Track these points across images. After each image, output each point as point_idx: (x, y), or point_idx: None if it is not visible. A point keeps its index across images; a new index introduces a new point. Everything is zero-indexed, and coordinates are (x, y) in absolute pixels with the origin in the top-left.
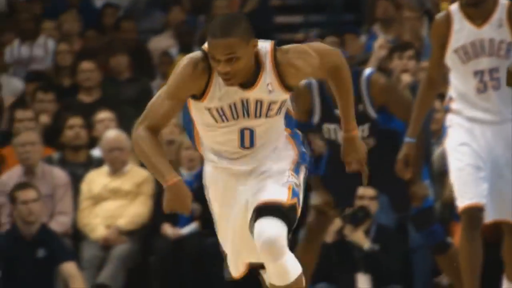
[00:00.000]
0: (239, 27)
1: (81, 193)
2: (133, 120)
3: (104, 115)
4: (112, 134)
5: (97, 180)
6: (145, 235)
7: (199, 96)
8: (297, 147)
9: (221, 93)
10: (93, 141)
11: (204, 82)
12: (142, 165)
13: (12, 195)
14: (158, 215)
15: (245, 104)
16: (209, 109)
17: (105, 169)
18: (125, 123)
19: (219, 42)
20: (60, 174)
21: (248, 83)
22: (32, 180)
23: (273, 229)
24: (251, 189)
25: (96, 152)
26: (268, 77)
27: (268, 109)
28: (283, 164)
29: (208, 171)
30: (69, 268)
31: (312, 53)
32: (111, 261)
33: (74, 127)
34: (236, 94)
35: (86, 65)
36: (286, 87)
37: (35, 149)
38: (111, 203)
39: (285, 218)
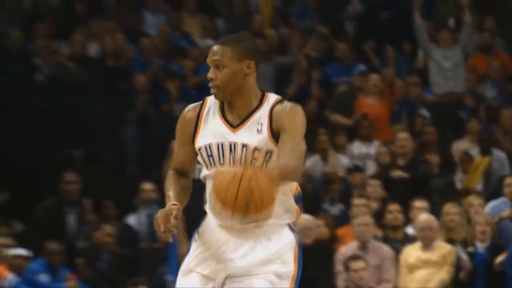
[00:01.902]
0: (238, 43)
1: (400, 263)
2: (440, 207)
3: (419, 204)
4: (424, 217)
5: (412, 253)
6: None
7: (193, 134)
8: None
9: (210, 129)
10: (407, 222)
11: (194, 118)
12: (447, 241)
13: (346, 264)
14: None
15: (232, 148)
16: (200, 150)
17: (418, 244)
18: (434, 210)
19: (213, 48)
20: (386, 249)
21: (240, 120)
22: (365, 253)
23: None
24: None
25: (410, 231)
26: (261, 117)
27: (253, 157)
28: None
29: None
30: None
31: (294, 122)
32: None
33: (392, 212)
34: (225, 134)
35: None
36: (272, 132)
37: (369, 229)
38: (423, 271)
39: None
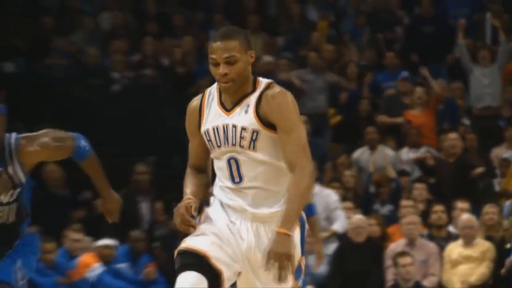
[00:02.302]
0: (239, 34)
1: (444, 259)
2: (480, 208)
3: (462, 205)
4: (466, 216)
5: (454, 249)
6: None
7: (199, 124)
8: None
9: (210, 116)
10: (450, 221)
11: (197, 108)
12: (486, 238)
13: (395, 260)
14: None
15: (225, 130)
16: (203, 137)
17: (460, 241)
18: (474, 210)
19: (219, 45)
20: (431, 246)
21: (234, 103)
22: (412, 250)
23: None
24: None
25: (452, 229)
26: (251, 98)
27: (241, 136)
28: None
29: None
30: None
31: (287, 112)
32: None
33: (437, 212)
34: (220, 118)
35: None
36: (258, 115)
37: (416, 228)
38: (464, 266)
39: None
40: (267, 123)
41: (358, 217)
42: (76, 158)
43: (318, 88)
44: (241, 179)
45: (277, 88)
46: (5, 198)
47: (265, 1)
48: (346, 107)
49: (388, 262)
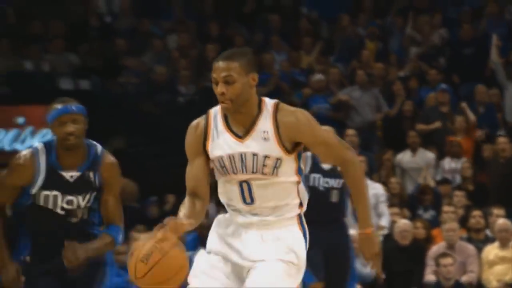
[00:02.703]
0: (242, 56)
1: (482, 260)
2: None
3: (497, 211)
4: (501, 221)
5: (491, 251)
6: None
7: (204, 145)
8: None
9: (219, 142)
10: (487, 225)
11: (202, 129)
12: None
13: (437, 260)
14: None
15: (243, 158)
16: (213, 161)
17: (496, 244)
18: (509, 216)
19: (220, 65)
20: (470, 248)
21: (245, 129)
22: (452, 251)
23: None
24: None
25: (489, 233)
26: (265, 124)
27: (263, 165)
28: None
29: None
30: None
31: (310, 129)
32: None
33: (475, 217)
34: (233, 145)
35: None
36: (281, 140)
37: (455, 234)
38: (500, 266)
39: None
40: (289, 149)
41: (404, 222)
42: None
43: (366, 103)
44: (252, 200)
45: (289, 109)
46: (83, 201)
47: (318, 23)
48: (391, 119)
49: (430, 262)
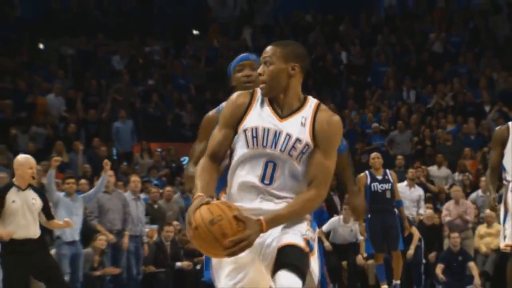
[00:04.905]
0: (289, 46)
1: (476, 235)
2: None
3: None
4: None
5: (481, 229)
6: None
7: (241, 118)
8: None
9: (259, 114)
10: None
11: (246, 103)
12: None
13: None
14: None
15: (277, 135)
16: (245, 131)
17: (485, 224)
18: None
19: (266, 48)
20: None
21: (287, 113)
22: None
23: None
24: (269, 236)
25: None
26: (306, 113)
27: (293, 146)
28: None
29: None
30: None
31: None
32: None
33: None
34: (272, 121)
35: None
36: (313, 131)
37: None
38: (488, 239)
39: (302, 275)
40: (315, 143)
41: (429, 212)
42: None
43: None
44: (271, 182)
45: (328, 111)
46: None
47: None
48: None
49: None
